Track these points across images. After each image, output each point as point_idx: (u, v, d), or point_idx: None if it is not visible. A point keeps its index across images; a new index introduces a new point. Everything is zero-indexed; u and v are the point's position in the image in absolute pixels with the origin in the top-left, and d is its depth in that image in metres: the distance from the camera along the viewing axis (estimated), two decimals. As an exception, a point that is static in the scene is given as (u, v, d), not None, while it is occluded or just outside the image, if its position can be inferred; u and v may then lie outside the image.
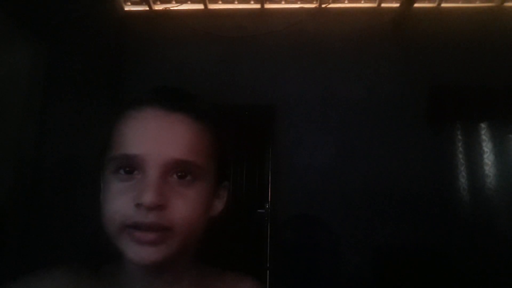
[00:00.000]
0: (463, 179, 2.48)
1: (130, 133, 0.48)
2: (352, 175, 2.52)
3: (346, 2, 2.81)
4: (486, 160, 2.47)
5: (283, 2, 2.82)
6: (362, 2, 2.80)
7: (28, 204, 1.73)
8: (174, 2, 2.82)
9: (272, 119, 2.64)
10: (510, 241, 2.31)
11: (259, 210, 2.63)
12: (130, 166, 0.46)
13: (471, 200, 2.44)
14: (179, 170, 0.47)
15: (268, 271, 2.53)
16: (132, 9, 2.84)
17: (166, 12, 2.81)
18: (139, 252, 0.44)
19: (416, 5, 2.58)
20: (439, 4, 2.75)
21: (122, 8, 2.82)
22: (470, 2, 2.77)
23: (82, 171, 2.09)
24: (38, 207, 1.78)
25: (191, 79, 2.62)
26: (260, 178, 2.67)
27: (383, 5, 2.77)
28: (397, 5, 2.70)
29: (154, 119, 0.48)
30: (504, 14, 2.72)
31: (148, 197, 0.43)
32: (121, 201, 0.45)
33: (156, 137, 0.47)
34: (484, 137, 2.51)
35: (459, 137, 2.55)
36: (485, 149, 2.49)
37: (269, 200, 2.63)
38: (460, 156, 2.51)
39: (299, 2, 2.82)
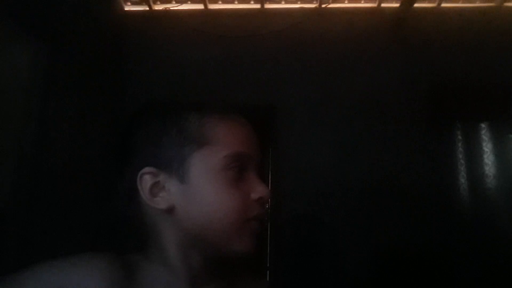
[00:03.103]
0: (463, 179, 2.48)
1: (237, 134, 0.54)
2: (352, 175, 2.52)
3: (346, 2, 2.81)
4: (486, 160, 2.47)
5: (283, 2, 2.82)
6: (362, 2, 2.80)
7: (28, 204, 1.73)
8: (174, 2, 2.82)
9: (272, 119, 2.64)
10: (510, 241, 2.31)
11: (259, 210, 2.62)
12: (240, 165, 0.52)
13: (471, 200, 2.44)
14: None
15: (268, 271, 2.53)
16: (132, 9, 2.84)
17: (166, 12, 2.81)
18: (251, 242, 0.51)
19: (416, 5, 2.58)
20: (439, 4, 2.75)
21: (122, 8, 2.82)
22: (470, 2, 2.77)
23: (83, 171, 2.09)
24: (38, 207, 1.78)
25: (191, 79, 2.63)
26: (260, 178, 2.67)
27: (383, 5, 2.76)
28: (397, 5, 2.70)
29: (247, 125, 0.57)
30: (504, 14, 2.72)
31: (268, 191, 0.52)
32: (239, 197, 0.51)
33: (254, 140, 0.56)
34: (484, 137, 2.51)
35: (459, 137, 2.55)
36: (485, 149, 2.49)
37: (269, 200, 2.63)
38: (460, 156, 2.51)
39: (299, 2, 2.82)
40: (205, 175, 0.51)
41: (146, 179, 0.53)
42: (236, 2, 2.83)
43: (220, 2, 2.82)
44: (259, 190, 0.49)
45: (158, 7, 2.83)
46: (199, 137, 0.52)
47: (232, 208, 0.49)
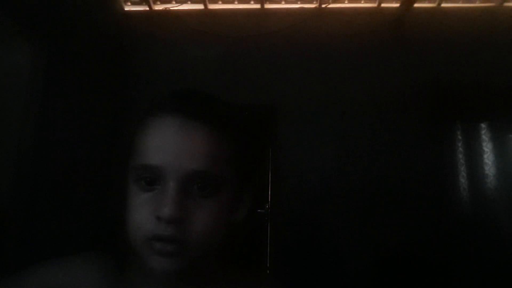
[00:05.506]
0: (463, 179, 2.48)
1: (150, 143, 0.47)
2: (352, 175, 2.52)
3: (346, 2, 2.81)
4: (486, 160, 2.47)
5: (283, 2, 2.82)
6: (362, 2, 2.80)
7: (28, 204, 1.73)
8: (174, 2, 2.82)
9: (272, 119, 2.64)
10: (510, 241, 2.31)
11: (259, 210, 2.63)
12: (151, 177, 0.46)
13: (471, 200, 2.44)
14: (199, 181, 0.46)
15: (268, 271, 2.53)
16: (132, 9, 2.84)
17: (166, 12, 2.81)
18: (159, 262, 0.45)
19: (416, 5, 2.58)
20: (439, 4, 2.75)
21: (122, 8, 2.82)
22: (470, 2, 2.77)
23: (83, 171, 2.09)
24: (38, 207, 1.78)
25: (191, 79, 2.62)
26: (260, 178, 2.67)
27: (383, 5, 2.77)
28: (397, 5, 2.70)
29: (173, 128, 0.47)
30: (504, 14, 2.72)
31: (168, 211, 0.43)
32: (142, 215, 0.45)
33: (176, 148, 0.46)
34: (484, 137, 2.52)
35: (459, 137, 2.55)
36: (485, 149, 2.49)
37: (269, 200, 2.63)
38: (460, 156, 2.51)
39: (299, 2, 2.82)
40: (129, 187, 0.49)
41: None
42: (236, 2, 2.83)
43: (220, 2, 2.82)
44: (159, 209, 0.43)
45: (158, 7, 2.83)
46: (130, 146, 0.50)
47: (132, 225, 0.46)
